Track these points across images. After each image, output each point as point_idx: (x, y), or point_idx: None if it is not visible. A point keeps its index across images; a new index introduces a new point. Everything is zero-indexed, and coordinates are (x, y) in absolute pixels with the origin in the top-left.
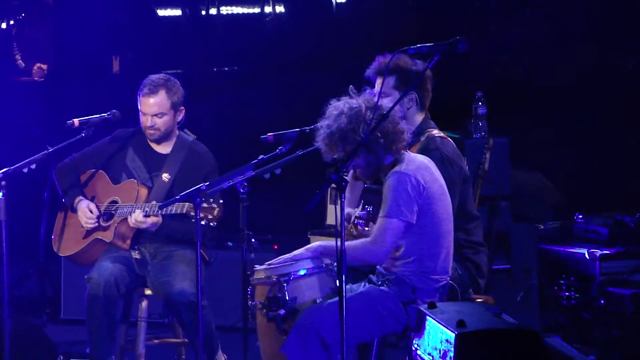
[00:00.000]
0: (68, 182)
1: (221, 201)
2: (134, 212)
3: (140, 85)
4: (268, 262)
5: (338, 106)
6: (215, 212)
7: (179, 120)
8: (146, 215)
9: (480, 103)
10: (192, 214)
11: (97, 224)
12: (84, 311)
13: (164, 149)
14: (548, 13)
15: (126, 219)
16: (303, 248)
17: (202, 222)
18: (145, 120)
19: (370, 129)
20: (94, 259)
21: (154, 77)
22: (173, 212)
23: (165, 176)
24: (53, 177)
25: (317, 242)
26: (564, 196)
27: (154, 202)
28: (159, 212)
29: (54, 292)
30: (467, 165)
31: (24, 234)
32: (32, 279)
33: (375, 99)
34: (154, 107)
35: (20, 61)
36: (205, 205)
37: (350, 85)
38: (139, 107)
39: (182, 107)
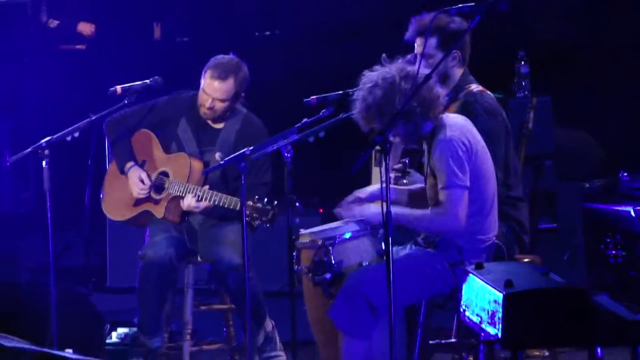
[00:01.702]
0: (117, 135)
1: (275, 202)
2: (186, 195)
3: (209, 61)
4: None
5: (372, 77)
6: (270, 215)
7: (236, 103)
8: (198, 200)
9: (522, 62)
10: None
11: (148, 195)
12: (130, 279)
13: (218, 124)
14: None
15: (177, 196)
16: (373, 203)
17: (256, 222)
18: (205, 100)
19: (406, 99)
20: (144, 224)
21: (225, 59)
22: (224, 205)
23: (218, 155)
24: (103, 130)
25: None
26: (609, 154)
27: (206, 187)
28: (210, 197)
29: (100, 260)
30: (510, 125)
31: (69, 202)
32: (78, 247)
33: (409, 66)
34: (218, 92)
35: (52, 21)
36: (259, 205)
37: (383, 54)
38: (202, 85)
39: (243, 94)
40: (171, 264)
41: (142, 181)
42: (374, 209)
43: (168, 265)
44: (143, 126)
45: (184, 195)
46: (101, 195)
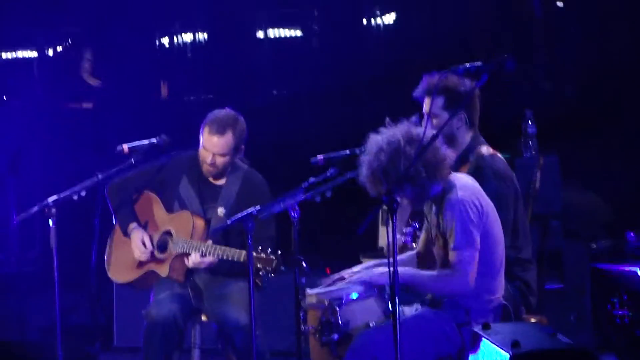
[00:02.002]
0: (119, 200)
1: (279, 252)
2: (190, 253)
3: (206, 117)
4: (325, 284)
5: (377, 141)
6: (274, 265)
7: (237, 157)
8: (202, 255)
9: (529, 122)
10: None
11: (150, 257)
12: (137, 339)
13: (219, 180)
14: (593, 29)
15: (181, 254)
16: (378, 269)
17: (260, 273)
18: (206, 156)
19: (411, 163)
20: (148, 287)
21: (222, 113)
22: (230, 258)
23: (220, 211)
24: (105, 194)
25: (405, 268)
26: (615, 214)
27: (209, 242)
28: (215, 252)
29: (107, 319)
30: (517, 183)
31: (75, 261)
32: (84, 306)
33: (415, 129)
34: (217, 147)
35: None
36: (263, 256)
37: (387, 118)
38: (201, 141)
39: (243, 147)
40: (175, 321)
41: (144, 244)
42: (380, 270)
43: (172, 323)
44: (145, 189)
45: (188, 252)
46: (105, 258)
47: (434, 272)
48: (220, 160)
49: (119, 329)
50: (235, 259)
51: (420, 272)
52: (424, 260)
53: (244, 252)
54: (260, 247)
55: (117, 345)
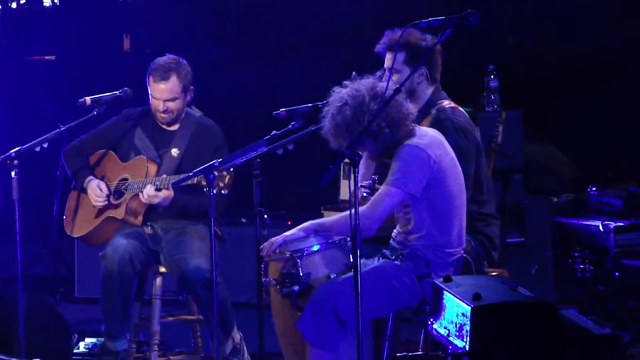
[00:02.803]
0: (77, 164)
1: (231, 169)
2: (145, 187)
3: (148, 68)
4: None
5: (341, 95)
6: (226, 180)
7: (188, 99)
8: (157, 189)
9: (492, 76)
10: (204, 183)
11: (107, 202)
12: (98, 290)
13: (173, 126)
14: None
15: (137, 195)
16: (295, 228)
17: (214, 190)
18: (158, 105)
19: (375, 119)
20: (107, 238)
21: (162, 60)
22: (184, 183)
23: (174, 151)
24: (61, 159)
25: (309, 221)
26: (577, 169)
27: (164, 176)
28: (170, 184)
29: (68, 270)
30: (480, 137)
31: (37, 212)
32: (46, 258)
33: (379, 84)
34: (166, 92)
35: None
36: (215, 173)
37: (353, 72)
38: (150, 92)
39: (192, 87)
40: (132, 263)
41: (101, 189)
42: (292, 231)
43: (129, 265)
44: (100, 148)
45: (142, 190)
46: (65, 218)
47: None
48: (172, 105)
49: (79, 280)
50: (189, 183)
51: (331, 217)
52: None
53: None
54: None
55: (78, 296)
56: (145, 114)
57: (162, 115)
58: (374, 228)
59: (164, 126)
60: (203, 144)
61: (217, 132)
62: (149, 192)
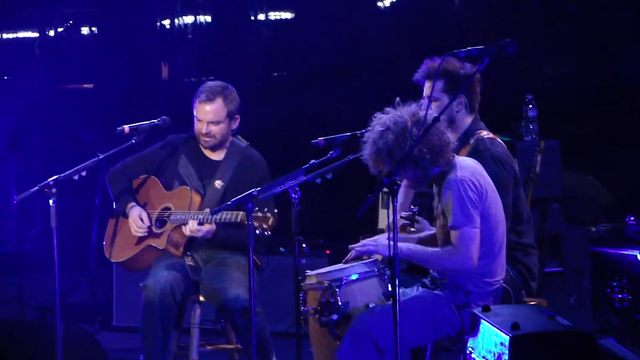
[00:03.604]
0: (120, 187)
1: (275, 210)
2: (188, 221)
3: (196, 92)
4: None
5: (383, 121)
6: (270, 222)
7: (233, 128)
8: (200, 223)
9: (530, 105)
10: (246, 222)
11: (147, 232)
12: (136, 318)
13: (217, 155)
14: (593, 10)
15: (179, 226)
16: (383, 237)
17: (257, 232)
18: (201, 127)
19: (416, 145)
20: (147, 266)
21: (211, 83)
22: (227, 220)
23: (218, 183)
24: (105, 181)
25: (404, 243)
26: (615, 198)
27: (207, 210)
28: (212, 219)
29: (106, 299)
30: (518, 167)
31: (76, 241)
32: (84, 286)
33: (421, 111)
34: (210, 114)
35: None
36: (259, 214)
37: (397, 98)
38: (195, 113)
39: (238, 116)
40: (173, 294)
41: (142, 219)
42: (385, 240)
43: (170, 296)
44: (143, 173)
45: (185, 223)
46: (104, 243)
47: (437, 249)
48: (215, 129)
49: (118, 309)
50: (232, 220)
51: (426, 249)
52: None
53: (240, 213)
54: (256, 208)
55: (116, 325)
56: (190, 140)
57: (205, 138)
58: (473, 270)
59: (209, 155)
60: (247, 177)
61: (262, 165)
62: (191, 227)
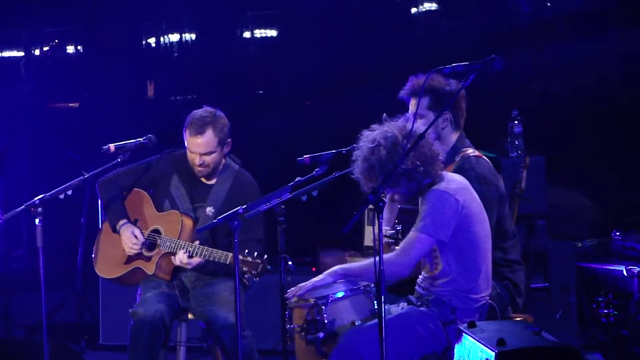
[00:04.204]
0: (110, 195)
1: (265, 257)
2: (178, 252)
3: (185, 121)
4: (298, 285)
5: (373, 137)
6: (259, 269)
7: (226, 152)
8: (189, 256)
9: (516, 121)
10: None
11: (140, 251)
12: (122, 337)
13: (210, 180)
14: (580, 27)
15: (168, 253)
16: (324, 273)
17: (245, 276)
18: (194, 159)
19: (408, 158)
20: (135, 283)
21: (198, 114)
22: (216, 260)
23: (209, 210)
24: (95, 189)
25: (337, 266)
26: (601, 213)
27: (197, 243)
28: (202, 253)
29: (93, 318)
30: (503, 183)
31: (62, 260)
32: (71, 305)
33: (408, 125)
34: (202, 147)
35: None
36: (249, 259)
37: (384, 114)
38: (186, 145)
39: (229, 140)
40: (162, 321)
41: (136, 236)
42: (321, 277)
43: (159, 322)
44: (135, 186)
45: (175, 251)
46: (93, 256)
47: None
48: (208, 159)
49: (104, 327)
50: (222, 261)
51: (365, 261)
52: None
53: (230, 255)
54: (246, 251)
55: (102, 343)
56: (185, 159)
57: (199, 169)
58: (405, 274)
59: (203, 179)
60: (238, 202)
61: (253, 190)
62: (182, 259)
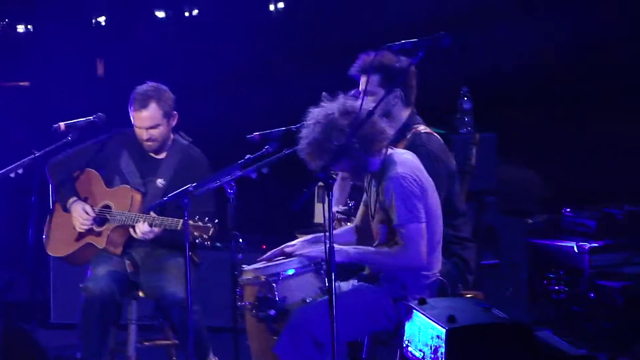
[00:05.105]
0: (60, 177)
1: (216, 220)
2: (137, 223)
3: (129, 98)
4: (260, 259)
5: (314, 114)
6: (210, 232)
7: (173, 125)
8: (150, 225)
9: (465, 98)
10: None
11: (91, 227)
12: (74, 315)
13: (160, 154)
14: (532, 5)
15: (119, 226)
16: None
17: (196, 240)
18: (141, 134)
19: (344, 134)
20: (86, 261)
21: (141, 88)
22: (169, 227)
23: (160, 181)
24: (45, 172)
25: (351, 247)
26: (552, 190)
27: (151, 213)
28: (160, 222)
29: (44, 296)
30: (454, 161)
31: (13, 239)
32: (21, 284)
33: (352, 102)
34: (147, 120)
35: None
36: (200, 223)
37: (324, 92)
38: (132, 121)
39: (175, 113)
40: (113, 296)
41: (86, 212)
42: (322, 247)
43: (110, 298)
44: (86, 166)
45: (126, 224)
46: (44, 237)
47: (385, 249)
48: (155, 132)
49: (55, 306)
50: (173, 228)
51: (371, 250)
52: (362, 234)
53: (181, 221)
54: (197, 217)
55: (53, 322)
56: (134, 136)
57: (147, 143)
58: (423, 267)
59: (151, 153)
60: (188, 175)
61: (203, 164)
62: (142, 229)
